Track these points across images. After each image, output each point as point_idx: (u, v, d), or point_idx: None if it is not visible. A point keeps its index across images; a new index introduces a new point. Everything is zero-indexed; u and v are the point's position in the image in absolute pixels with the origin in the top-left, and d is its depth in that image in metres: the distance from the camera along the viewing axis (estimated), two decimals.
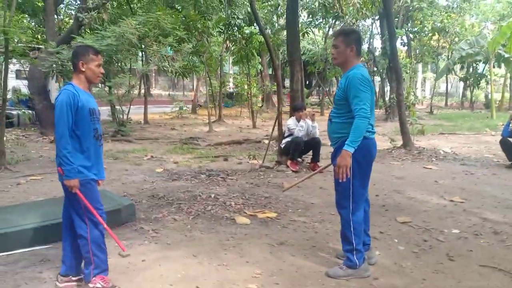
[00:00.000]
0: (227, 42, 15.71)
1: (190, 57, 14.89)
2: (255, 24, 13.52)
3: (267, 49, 18.03)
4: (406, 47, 25.62)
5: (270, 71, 29.72)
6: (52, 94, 15.32)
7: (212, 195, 5.51)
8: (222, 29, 13.06)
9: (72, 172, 2.86)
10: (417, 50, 27.93)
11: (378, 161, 8.24)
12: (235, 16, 12.50)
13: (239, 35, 13.26)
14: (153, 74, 36.17)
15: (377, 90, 26.68)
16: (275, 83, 23.05)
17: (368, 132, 3.26)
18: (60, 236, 3.87)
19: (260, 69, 23.04)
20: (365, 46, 23.25)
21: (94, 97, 3.21)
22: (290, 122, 7.40)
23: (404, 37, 23.86)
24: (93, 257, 2.98)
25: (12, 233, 3.85)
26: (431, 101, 24.80)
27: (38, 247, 3.87)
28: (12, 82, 18.05)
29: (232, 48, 15.79)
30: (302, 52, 24.41)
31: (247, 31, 14.10)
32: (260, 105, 22.18)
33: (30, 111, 14.45)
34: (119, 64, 13.86)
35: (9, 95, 18.26)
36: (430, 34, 25.04)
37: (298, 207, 5.23)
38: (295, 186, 5.62)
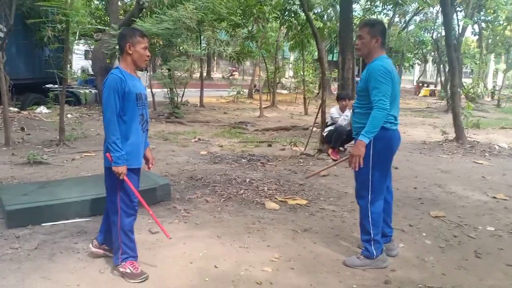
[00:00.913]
0: (282, 28, 15.65)
1: (247, 42, 15.00)
2: (313, 11, 13.39)
3: (325, 36, 17.87)
4: (477, 37, 24.27)
5: (330, 58, 29.29)
6: None
7: (247, 180, 5.65)
8: (278, 15, 13.05)
9: (121, 159, 2.91)
10: (489, 40, 26.39)
11: (426, 154, 8.04)
12: (292, 2, 12.44)
13: (295, 21, 13.20)
14: (215, 58, 36.72)
15: (442, 80, 25.61)
16: (335, 70, 22.74)
17: (390, 123, 3.25)
18: (100, 210, 4.17)
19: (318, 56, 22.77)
20: (427, 35, 22.36)
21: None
22: (333, 111, 7.36)
23: (476, 26, 22.59)
24: (121, 244, 3.08)
25: (57, 205, 4.18)
26: (499, 93, 23.40)
27: (79, 219, 4.18)
28: (81, 62, 19.14)
29: (289, 34, 15.77)
30: None
31: (305, 17, 13.93)
32: (317, 92, 21.97)
33: (95, 91, 15.20)
34: (179, 48, 14.26)
35: (78, 75, 19.42)
36: (504, 24, 23.53)
37: (330, 195, 5.25)
38: (318, 175, 5.65)
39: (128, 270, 3.07)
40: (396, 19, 25.14)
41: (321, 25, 14.51)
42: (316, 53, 21.88)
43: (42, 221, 4.05)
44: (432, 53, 27.48)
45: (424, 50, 27.57)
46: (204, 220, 4.31)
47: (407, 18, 20.81)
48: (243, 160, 6.96)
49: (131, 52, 3.00)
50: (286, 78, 32.12)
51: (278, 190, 5.31)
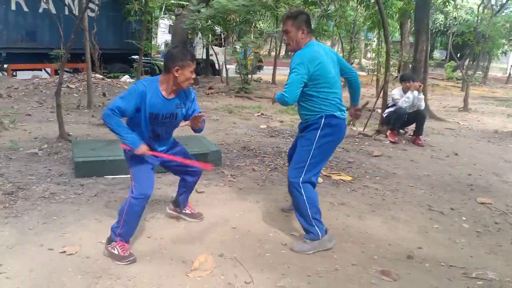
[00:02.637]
0: (359, 7, 15.28)
1: (323, 20, 14.86)
2: None
3: (408, 16, 17.16)
4: None
5: (413, 40, 28.01)
6: (196, 50, 16.78)
7: None
8: None
9: (135, 139, 2.86)
10: None
11: (494, 143, 7.72)
12: None
13: (372, 0, 12.85)
14: None
15: None
16: (414, 53, 21.83)
17: (340, 111, 3.24)
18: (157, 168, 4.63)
19: (400, 37, 21.89)
20: None
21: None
22: (395, 92, 7.23)
23: None
24: (123, 219, 2.96)
25: (119, 160, 4.60)
26: None
27: None
28: (165, 36, 20.14)
29: (366, 14, 15.37)
30: (457, 22, 22.61)
31: None
32: (396, 75, 21.26)
33: None
34: (254, 25, 14.49)
35: (161, 48, 20.43)
36: None
37: (377, 174, 5.28)
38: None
39: (115, 251, 2.95)
40: (493, 1, 23.43)
41: (401, 5, 13.96)
42: (397, 34, 21.18)
43: (105, 173, 4.57)
44: None
45: None
46: (248, 186, 4.58)
47: (504, 0, 19.31)
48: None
49: (177, 75, 2.88)
50: (366, 59, 31.28)
51: (325, 165, 5.43)
